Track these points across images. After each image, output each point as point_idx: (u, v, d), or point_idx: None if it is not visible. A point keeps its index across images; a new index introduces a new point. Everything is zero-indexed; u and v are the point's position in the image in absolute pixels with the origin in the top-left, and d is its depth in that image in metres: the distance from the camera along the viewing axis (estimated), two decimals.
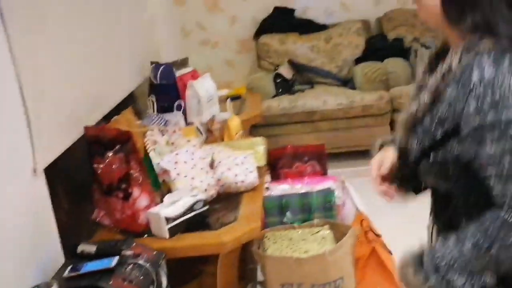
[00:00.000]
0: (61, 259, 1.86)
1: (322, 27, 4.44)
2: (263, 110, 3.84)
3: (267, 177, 3.14)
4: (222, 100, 3.67)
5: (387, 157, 1.28)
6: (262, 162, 2.66)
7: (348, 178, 2.92)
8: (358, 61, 4.15)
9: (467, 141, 1.01)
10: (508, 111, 0.95)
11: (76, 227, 2.26)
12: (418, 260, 1.10)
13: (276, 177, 3.11)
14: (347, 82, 4.10)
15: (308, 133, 3.81)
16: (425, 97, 1.08)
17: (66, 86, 2.21)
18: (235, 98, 3.80)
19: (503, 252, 0.99)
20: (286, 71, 4.14)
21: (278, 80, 4.07)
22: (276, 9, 4.54)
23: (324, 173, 3.17)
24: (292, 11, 4.54)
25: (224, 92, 3.94)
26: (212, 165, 2.49)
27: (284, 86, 4.03)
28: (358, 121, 3.80)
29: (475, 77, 0.97)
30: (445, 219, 1.19)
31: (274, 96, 4.00)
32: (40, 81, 1.96)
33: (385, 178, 1.27)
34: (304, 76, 4.22)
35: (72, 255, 1.84)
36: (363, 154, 3.90)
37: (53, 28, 2.17)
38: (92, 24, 2.67)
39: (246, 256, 2.50)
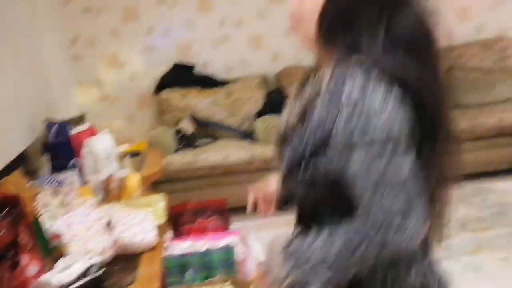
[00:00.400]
0: None
1: (222, 82, 4.51)
2: (164, 165, 3.79)
3: (169, 234, 3.08)
4: (122, 157, 3.59)
5: (268, 183, 1.33)
6: (162, 219, 2.60)
7: (251, 232, 2.93)
8: (258, 115, 4.25)
9: (337, 154, 1.04)
10: (374, 122, 0.99)
11: None
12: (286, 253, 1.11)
13: (178, 233, 3.05)
14: (249, 136, 4.17)
15: (210, 188, 3.80)
16: (297, 111, 1.13)
17: None
18: (135, 154, 3.73)
19: (359, 263, 1.04)
20: (187, 126, 4.14)
21: (180, 135, 4.06)
22: (176, 65, 4.57)
23: (226, 228, 3.16)
24: (191, 67, 4.59)
25: (124, 148, 3.86)
26: (109, 225, 2.41)
27: (186, 141, 4.03)
28: (261, 174, 3.84)
29: (345, 93, 1.01)
30: (311, 227, 1.20)
31: (176, 151, 3.97)
32: None
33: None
34: (206, 130, 4.25)
35: None
36: None
37: None
38: None
39: None
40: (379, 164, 1.00)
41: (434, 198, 1.18)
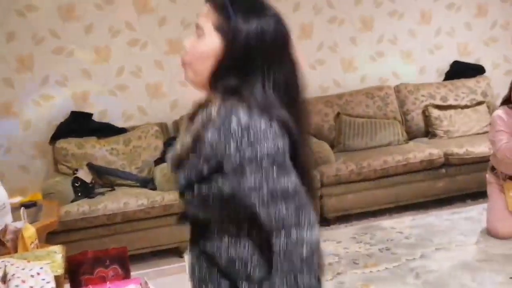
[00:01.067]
0: None
1: (120, 131, 4.53)
2: (61, 215, 3.72)
3: (67, 286, 3.02)
4: (16, 208, 3.50)
5: None
6: (60, 271, 2.57)
7: (151, 279, 2.94)
8: (157, 162, 4.30)
9: (230, 176, 1.17)
10: (261, 147, 1.14)
11: None
12: None
13: (77, 285, 2.99)
14: (148, 183, 4.20)
15: (110, 236, 3.76)
16: (188, 139, 1.25)
17: None
18: (29, 205, 3.64)
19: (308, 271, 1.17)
20: (85, 175, 4.10)
21: (77, 184, 4.01)
22: (73, 113, 4.55)
23: (127, 276, 3.15)
24: (90, 115, 4.58)
25: (18, 199, 3.76)
26: (4, 279, 2.35)
27: (83, 190, 3.98)
28: (160, 220, 3.89)
29: (234, 124, 1.15)
30: (202, 245, 1.33)
31: (73, 201, 3.92)
32: None
33: None
34: (104, 179, 4.23)
35: None
36: (166, 252, 3.98)
37: None
38: None
39: None
40: (268, 183, 1.15)
41: None
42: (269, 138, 1.16)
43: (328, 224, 4.43)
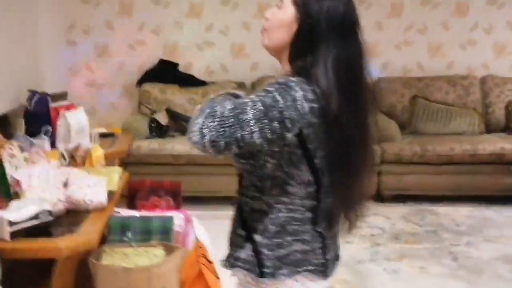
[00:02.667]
0: None
1: (201, 83, 4.88)
2: (133, 148, 4.13)
3: (123, 206, 3.41)
4: (95, 135, 3.94)
5: None
6: (115, 188, 2.92)
7: (202, 218, 3.21)
8: None
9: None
10: (278, 95, 1.27)
11: None
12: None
13: (133, 207, 3.37)
14: None
15: (173, 175, 4.08)
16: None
17: None
18: (108, 135, 4.08)
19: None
20: (162, 118, 4.48)
21: (153, 125, 4.41)
22: (162, 61, 4.94)
23: (177, 208, 3.48)
24: (176, 65, 4.96)
25: (100, 129, 4.22)
26: (66, 184, 2.74)
27: (157, 131, 4.37)
28: (221, 169, 4.17)
29: (287, 80, 1.31)
30: (239, 196, 1.48)
31: (147, 138, 4.32)
32: None
33: None
34: (178, 124, 4.59)
35: None
36: (222, 200, 4.27)
37: None
38: None
39: (85, 271, 2.69)
40: (254, 108, 1.26)
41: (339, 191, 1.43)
42: (291, 102, 1.28)
43: (382, 201, 4.51)
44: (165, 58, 4.99)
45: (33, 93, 3.48)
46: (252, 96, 1.29)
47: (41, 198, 2.52)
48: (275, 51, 1.44)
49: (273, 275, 1.39)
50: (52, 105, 3.50)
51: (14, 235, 2.30)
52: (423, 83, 5.06)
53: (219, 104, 1.28)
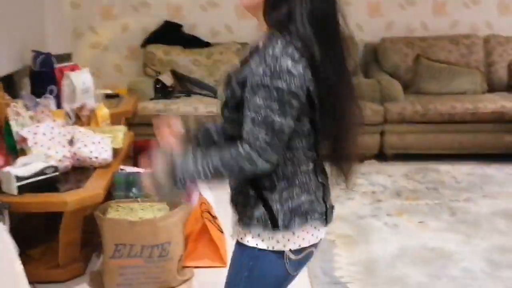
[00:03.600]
0: None
1: (205, 44, 4.84)
2: (139, 110, 4.14)
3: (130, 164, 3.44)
4: (100, 96, 3.95)
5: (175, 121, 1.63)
6: (120, 145, 2.96)
7: None
8: None
9: (247, 89, 1.35)
10: (279, 82, 1.30)
11: None
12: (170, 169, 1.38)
13: (137, 164, 3.42)
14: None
15: None
16: (238, 64, 1.45)
17: None
18: (113, 96, 4.09)
19: (228, 173, 1.36)
20: (167, 79, 4.47)
21: (158, 86, 4.40)
22: (166, 22, 4.90)
23: None
24: (180, 26, 4.92)
25: (106, 91, 4.23)
26: (71, 142, 2.77)
27: (162, 92, 4.37)
28: None
29: (269, 51, 1.31)
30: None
31: (152, 100, 4.32)
32: None
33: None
34: (183, 85, 4.58)
35: None
36: None
37: None
38: None
39: (92, 228, 2.74)
40: (267, 111, 1.31)
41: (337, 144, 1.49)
42: (289, 76, 1.31)
43: (385, 160, 4.52)
44: (169, 19, 4.94)
45: (37, 53, 3.48)
46: (258, 102, 1.33)
47: (47, 155, 2.56)
48: (253, 9, 1.43)
49: (286, 227, 1.44)
50: (57, 65, 3.51)
51: (21, 189, 2.36)
52: (426, 43, 5.00)
53: (259, 131, 1.34)
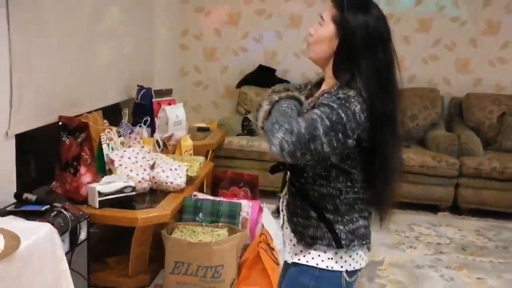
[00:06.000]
0: (11, 200, 2.39)
1: None
2: (225, 143, 4.38)
3: (207, 193, 3.64)
4: (193, 129, 4.24)
5: None
6: (194, 173, 3.15)
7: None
8: None
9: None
10: (341, 110, 1.40)
11: (32, 184, 2.76)
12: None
13: (215, 194, 3.62)
14: None
15: (258, 170, 4.28)
16: (307, 105, 1.54)
17: (48, 82, 2.75)
18: (205, 129, 4.36)
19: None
20: (254, 118, 4.69)
21: (245, 123, 4.63)
22: (261, 66, 5.16)
23: (254, 199, 3.66)
24: (273, 70, 5.15)
25: (201, 124, 4.53)
26: (152, 166, 3.02)
27: (248, 129, 4.58)
28: None
29: (343, 91, 1.45)
30: (299, 185, 1.58)
31: (238, 135, 4.55)
32: (26, 74, 2.52)
33: None
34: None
35: (18, 199, 2.38)
36: None
37: (49, 37, 2.75)
38: (87, 40, 3.21)
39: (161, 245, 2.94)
40: (322, 118, 1.39)
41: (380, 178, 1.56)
42: (353, 116, 1.41)
43: (459, 214, 4.38)
44: (264, 64, 5.20)
45: (141, 87, 3.83)
46: (319, 112, 1.41)
47: (129, 176, 2.82)
48: (319, 62, 1.58)
49: (348, 246, 1.53)
50: (156, 99, 3.83)
51: (102, 204, 2.62)
52: (510, 100, 4.82)
53: (294, 120, 1.39)
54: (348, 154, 1.49)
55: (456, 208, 4.40)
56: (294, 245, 1.58)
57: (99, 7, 3.38)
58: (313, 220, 1.54)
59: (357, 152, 1.50)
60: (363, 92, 1.46)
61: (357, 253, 1.55)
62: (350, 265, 1.54)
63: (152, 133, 3.62)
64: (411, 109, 4.83)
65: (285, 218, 1.62)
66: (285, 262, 1.68)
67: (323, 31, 1.54)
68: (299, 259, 1.56)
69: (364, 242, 1.56)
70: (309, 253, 1.54)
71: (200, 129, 4.32)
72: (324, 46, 1.54)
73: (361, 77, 1.47)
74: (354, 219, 1.54)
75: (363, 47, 1.48)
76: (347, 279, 1.55)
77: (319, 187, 1.55)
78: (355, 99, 1.43)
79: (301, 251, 1.56)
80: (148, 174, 2.92)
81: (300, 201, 1.58)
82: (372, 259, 3.17)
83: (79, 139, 2.71)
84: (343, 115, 1.40)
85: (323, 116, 1.39)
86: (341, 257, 1.53)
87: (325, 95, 1.49)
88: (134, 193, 2.76)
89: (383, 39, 1.51)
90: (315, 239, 1.53)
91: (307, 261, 1.54)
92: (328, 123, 1.38)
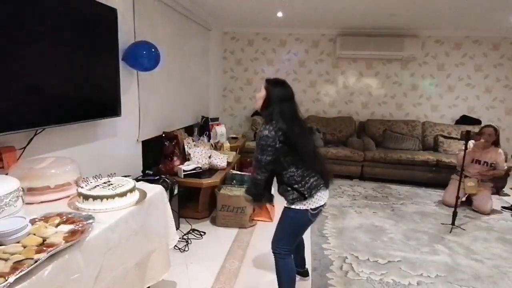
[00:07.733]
0: (140, 173, 2.37)
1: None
2: (245, 145, 4.31)
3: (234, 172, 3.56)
4: (229, 137, 4.18)
5: None
6: (231, 160, 3.10)
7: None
8: None
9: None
10: (264, 142, 1.47)
11: (150, 165, 2.73)
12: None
13: (242, 171, 3.46)
14: None
15: None
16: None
17: (158, 111, 2.73)
18: (235, 138, 4.30)
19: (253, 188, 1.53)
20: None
21: (255, 135, 4.57)
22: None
23: None
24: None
25: (233, 135, 4.47)
26: (210, 157, 3.00)
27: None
28: None
29: (263, 131, 1.50)
30: (281, 179, 1.62)
31: (252, 141, 4.50)
32: (146, 109, 2.51)
33: None
34: None
35: (143, 173, 2.36)
36: None
37: (158, 89, 2.73)
38: (177, 87, 3.17)
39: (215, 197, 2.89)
40: (260, 152, 1.47)
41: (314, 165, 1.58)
42: (269, 139, 1.47)
43: (364, 180, 4.27)
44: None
45: (203, 116, 3.80)
46: (256, 151, 1.49)
47: (198, 162, 2.79)
48: (259, 109, 1.61)
49: (310, 195, 1.53)
50: (211, 123, 3.80)
51: (185, 176, 2.58)
52: (391, 123, 4.70)
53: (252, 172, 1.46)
54: (283, 153, 1.49)
55: (362, 177, 4.32)
56: (285, 201, 1.60)
57: (185, 63, 3.31)
58: (289, 190, 1.55)
59: (286, 150, 1.49)
60: (275, 121, 1.48)
61: (315, 197, 1.53)
62: (312, 205, 1.53)
63: (209, 140, 3.59)
64: (339, 127, 4.78)
65: (278, 193, 1.64)
66: (284, 207, 1.66)
67: (261, 94, 1.58)
68: (288, 206, 1.57)
69: (318, 188, 1.53)
70: (292, 204, 1.56)
71: (232, 138, 4.27)
72: (261, 101, 1.58)
73: (274, 116, 1.51)
74: (307, 180, 1.52)
75: (277, 101, 1.52)
76: (311, 212, 1.54)
77: (284, 174, 1.56)
78: (268, 129, 1.46)
79: (288, 204, 1.57)
80: (207, 161, 2.88)
81: (281, 184, 1.60)
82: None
83: (173, 143, 2.67)
84: (263, 143, 1.46)
85: (259, 152, 1.48)
86: (307, 202, 1.53)
87: (262, 125, 1.54)
88: (200, 170, 2.72)
89: (287, 97, 1.54)
90: (293, 199, 1.55)
91: (291, 207, 1.56)
92: (259, 151, 1.47)
